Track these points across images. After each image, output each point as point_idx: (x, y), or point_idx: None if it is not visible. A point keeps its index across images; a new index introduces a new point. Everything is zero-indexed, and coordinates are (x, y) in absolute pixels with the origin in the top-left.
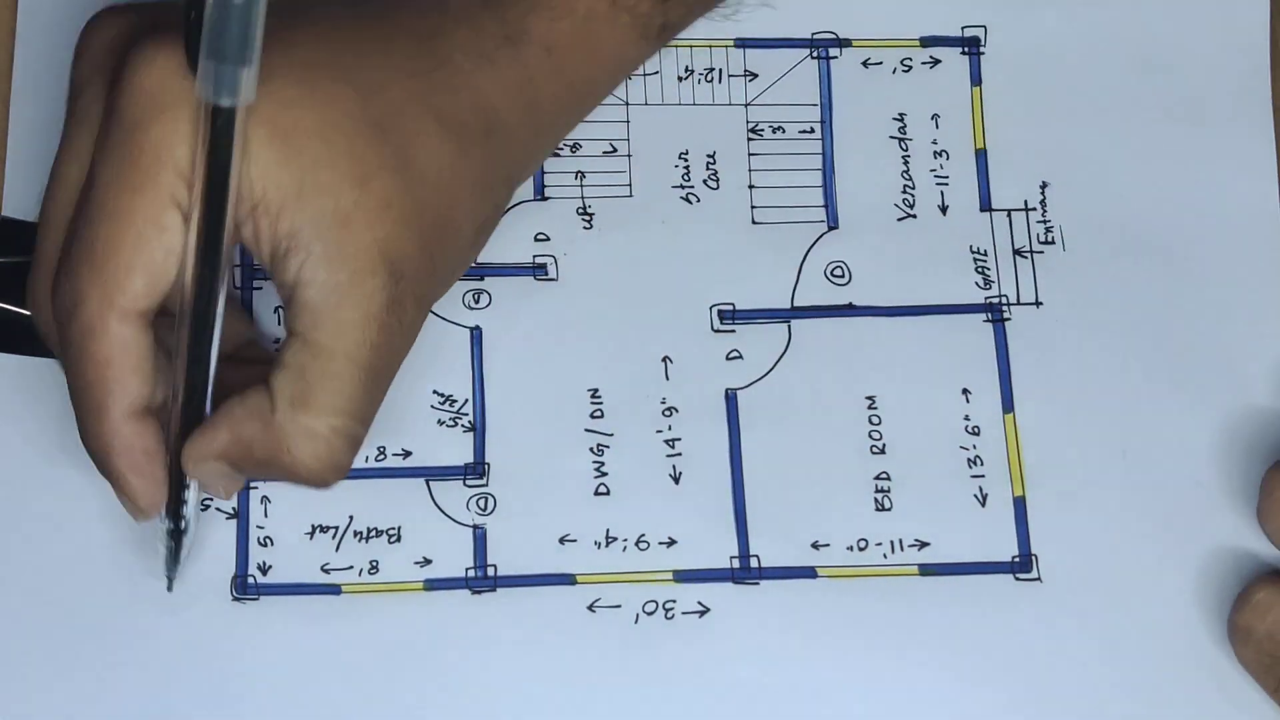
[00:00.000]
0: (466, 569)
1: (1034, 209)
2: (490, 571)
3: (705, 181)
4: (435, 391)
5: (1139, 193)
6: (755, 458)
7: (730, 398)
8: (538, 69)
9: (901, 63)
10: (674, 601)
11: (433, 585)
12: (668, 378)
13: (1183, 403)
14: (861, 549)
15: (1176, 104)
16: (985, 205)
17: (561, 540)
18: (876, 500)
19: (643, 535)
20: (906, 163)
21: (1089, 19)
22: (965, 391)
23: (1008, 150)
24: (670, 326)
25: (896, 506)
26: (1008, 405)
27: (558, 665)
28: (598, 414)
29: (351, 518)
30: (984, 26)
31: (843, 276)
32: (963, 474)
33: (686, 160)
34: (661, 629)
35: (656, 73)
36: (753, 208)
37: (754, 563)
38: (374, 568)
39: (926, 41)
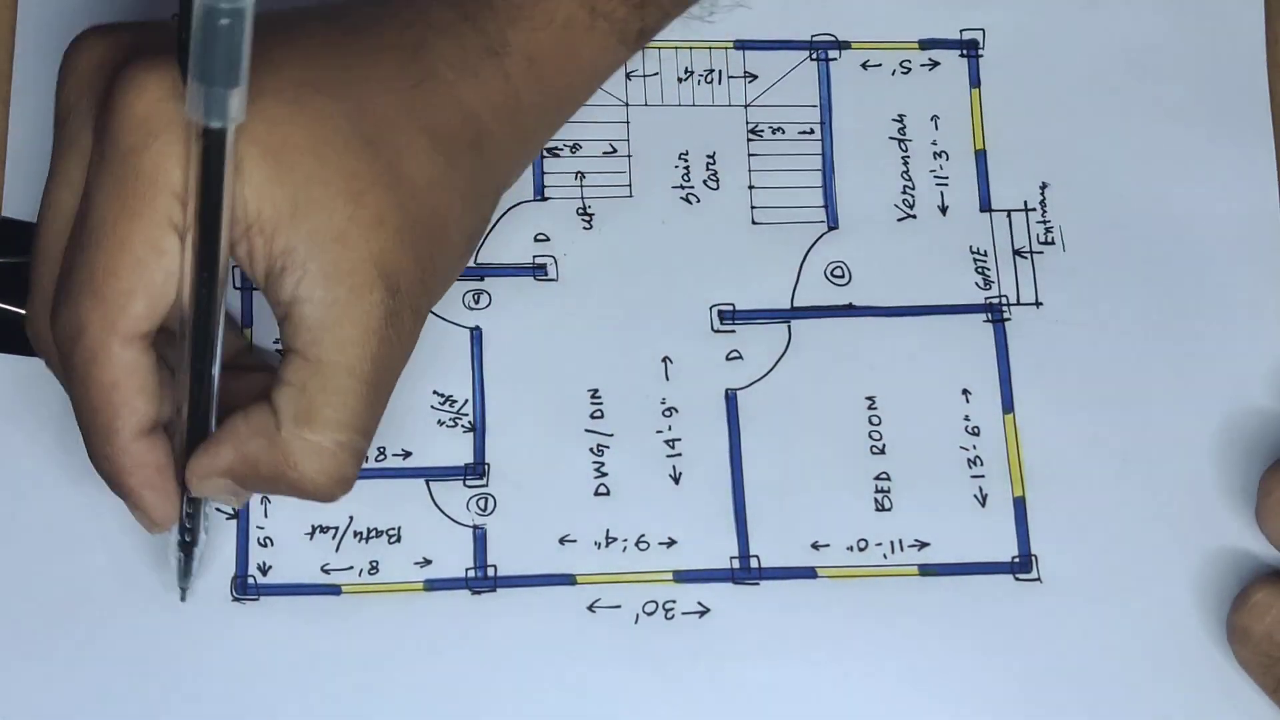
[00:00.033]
0: (466, 569)
1: (1034, 209)
2: (490, 571)
3: (705, 182)
4: (435, 391)
5: (1138, 193)
6: (755, 458)
7: (730, 398)
8: (520, 79)
9: (900, 65)
10: (674, 601)
11: (433, 585)
12: (668, 378)
13: (1183, 403)
14: (861, 549)
15: (1175, 105)
16: (985, 206)
17: (561, 540)
18: (876, 500)
19: (643, 535)
20: (906, 163)
21: (1086, 22)
22: (965, 391)
23: (1007, 151)
24: (670, 326)
25: (896, 506)
26: (1008, 405)
27: (558, 665)
28: (598, 414)
29: (351, 518)
30: (982, 29)
31: (843, 276)
32: (963, 474)
33: (686, 160)
34: (661, 629)
35: (656, 74)
36: (753, 208)
37: (754, 563)
38: (374, 568)
39: (925, 44)
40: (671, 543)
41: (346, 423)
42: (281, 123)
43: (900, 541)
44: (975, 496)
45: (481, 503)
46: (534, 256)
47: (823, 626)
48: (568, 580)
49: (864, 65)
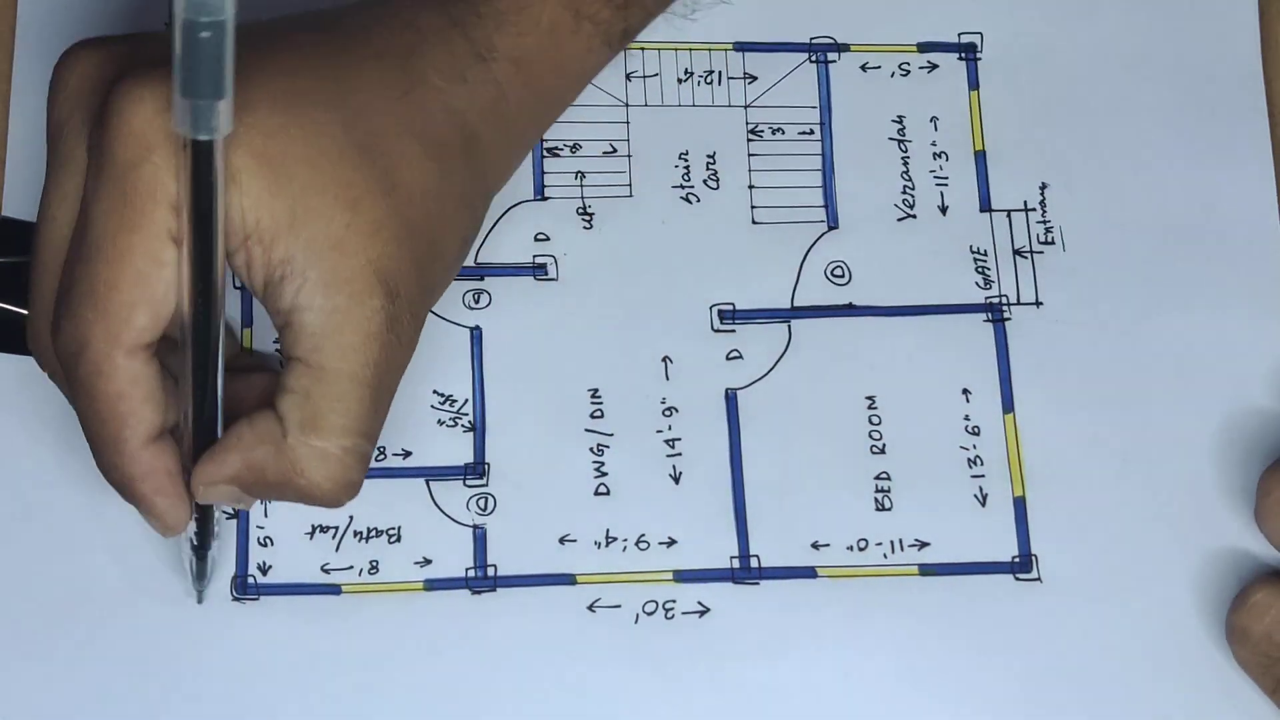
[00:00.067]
0: (466, 569)
1: (1033, 209)
2: (490, 571)
3: (705, 181)
4: (435, 391)
5: (1138, 193)
6: (755, 458)
7: (730, 398)
8: (508, 84)
9: (899, 67)
10: (674, 601)
11: (433, 585)
12: (668, 378)
13: (1182, 403)
14: (861, 549)
15: (1172, 106)
16: (985, 206)
17: (561, 540)
18: (876, 500)
19: (643, 535)
20: (906, 163)
21: (1083, 25)
22: (965, 391)
23: (1007, 152)
24: (670, 326)
25: (896, 506)
26: (1008, 405)
27: (558, 665)
28: (598, 414)
29: (351, 518)
30: (980, 33)
31: (843, 276)
32: (963, 474)
33: (686, 160)
34: (661, 629)
35: (656, 75)
36: (753, 208)
37: (754, 563)
38: (374, 568)
39: (924, 47)
40: (671, 542)
41: (352, 428)
42: (277, 133)
43: (900, 541)
44: (975, 496)
45: (481, 502)
46: (534, 256)
47: (823, 626)
48: (568, 580)
49: (863, 67)
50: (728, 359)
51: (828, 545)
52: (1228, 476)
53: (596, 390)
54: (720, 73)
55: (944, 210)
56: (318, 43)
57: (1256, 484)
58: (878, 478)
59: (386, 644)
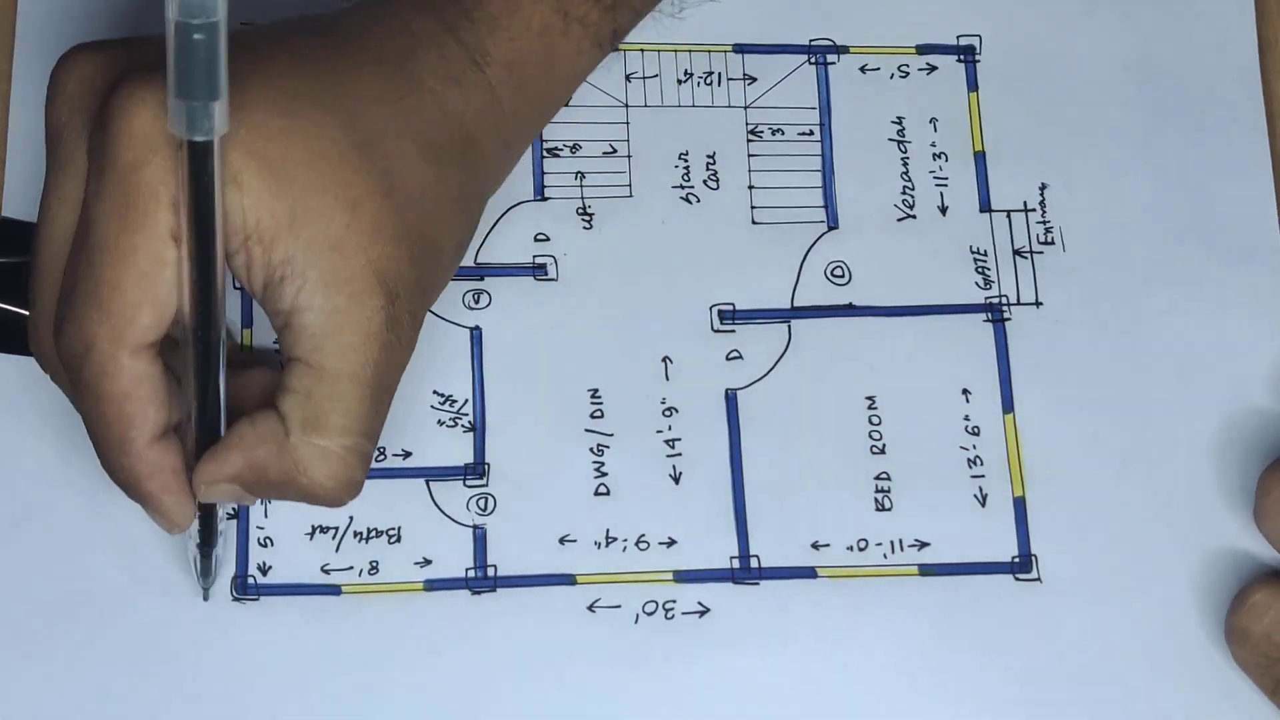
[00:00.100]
0: (466, 569)
1: (1033, 210)
2: (490, 571)
3: (705, 182)
4: (435, 391)
5: (1137, 194)
6: (755, 458)
7: (730, 398)
8: (501, 87)
9: (899, 69)
10: (674, 601)
11: (433, 585)
12: (668, 378)
13: (1182, 403)
14: (861, 549)
15: (1171, 106)
16: (985, 206)
17: (561, 540)
18: (876, 500)
19: (643, 535)
20: (905, 164)
21: (1081, 27)
22: (965, 391)
23: (1006, 152)
24: (670, 326)
25: (896, 506)
26: (1008, 405)
27: (558, 665)
28: (598, 414)
29: (351, 518)
30: (978, 35)
31: (843, 276)
32: (963, 474)
33: (686, 161)
34: (661, 629)
35: (656, 75)
36: (753, 208)
37: (754, 563)
38: (374, 568)
39: (923, 49)
40: (671, 543)
41: (353, 428)
42: (277, 135)
43: (900, 541)
44: (975, 496)
45: (481, 503)
46: (534, 256)
47: (823, 626)
48: (568, 580)
49: (862, 69)
50: (728, 359)
51: (828, 545)
52: (1227, 476)
53: (596, 390)
54: (720, 74)
55: (944, 211)
56: (317, 46)
57: (1256, 484)
58: (878, 478)
59: (386, 644)
